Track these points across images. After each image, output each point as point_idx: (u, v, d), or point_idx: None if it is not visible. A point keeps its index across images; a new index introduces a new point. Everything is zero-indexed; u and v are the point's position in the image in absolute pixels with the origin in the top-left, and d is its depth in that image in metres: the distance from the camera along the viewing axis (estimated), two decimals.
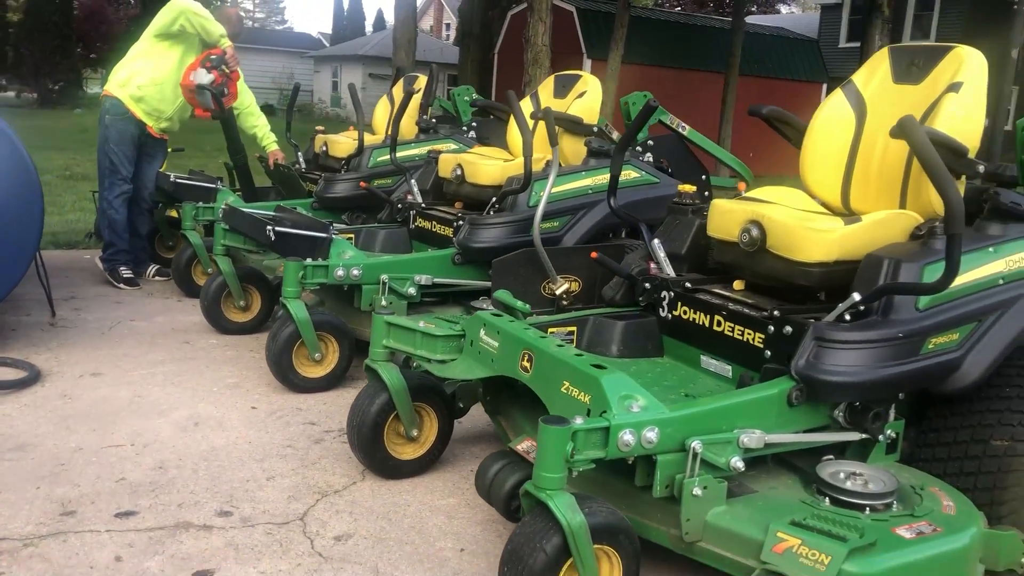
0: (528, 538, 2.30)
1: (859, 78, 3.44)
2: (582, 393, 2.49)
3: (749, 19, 34.39)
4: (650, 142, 5.00)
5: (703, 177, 5.22)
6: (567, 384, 2.56)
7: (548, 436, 2.26)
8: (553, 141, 3.71)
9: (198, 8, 5.73)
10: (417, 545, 2.86)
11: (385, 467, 3.28)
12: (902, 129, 2.52)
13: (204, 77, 5.72)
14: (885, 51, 3.41)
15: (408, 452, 3.32)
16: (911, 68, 3.28)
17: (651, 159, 4.95)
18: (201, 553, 2.72)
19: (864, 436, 2.80)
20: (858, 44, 19.05)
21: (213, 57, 5.77)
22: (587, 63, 18.95)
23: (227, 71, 5.78)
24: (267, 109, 19.95)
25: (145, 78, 5.77)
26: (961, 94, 3.04)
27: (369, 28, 41.40)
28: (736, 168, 5.23)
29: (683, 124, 5.20)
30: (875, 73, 3.40)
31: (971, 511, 2.59)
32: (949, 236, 2.46)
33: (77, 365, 4.35)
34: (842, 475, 2.64)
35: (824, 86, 22.92)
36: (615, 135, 5.54)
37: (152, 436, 3.57)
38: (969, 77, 3.07)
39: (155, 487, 3.14)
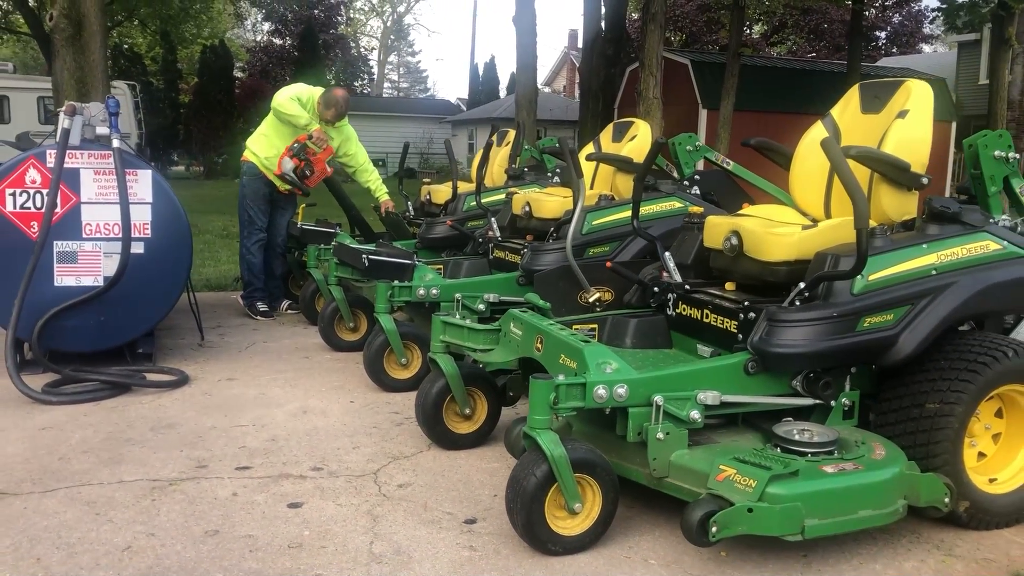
0: (523, 467, 3.04)
1: (836, 110, 4.06)
2: (572, 361, 3.22)
3: (887, 60, 34.16)
4: (696, 176, 5.68)
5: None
6: (563, 356, 3.29)
7: (536, 387, 3.00)
8: (578, 173, 4.47)
9: (285, 104, 6.68)
10: (461, 491, 3.63)
11: (445, 439, 4.08)
12: (822, 148, 3.17)
13: (287, 165, 6.71)
14: (856, 87, 4.02)
15: (463, 428, 4.11)
16: (874, 100, 3.89)
17: (698, 192, 5.62)
18: (295, 492, 3.59)
19: (817, 402, 3.39)
20: None
21: (295, 145, 6.74)
22: (702, 112, 19.58)
23: (317, 150, 6.71)
24: (407, 172, 21.42)
25: (272, 150, 6.88)
26: (907, 120, 3.64)
27: (503, 91, 43.25)
28: (778, 196, 5.79)
29: (727, 160, 5.84)
30: (848, 105, 4.02)
31: (898, 457, 3.13)
32: (857, 231, 3.08)
33: (217, 372, 5.40)
34: (794, 431, 3.23)
35: (953, 124, 22.53)
36: (675, 174, 6.24)
37: (269, 420, 4.51)
38: (914, 105, 3.66)
39: (267, 452, 4.05)
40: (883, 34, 39.08)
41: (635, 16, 29.67)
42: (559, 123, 31.66)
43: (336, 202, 7.55)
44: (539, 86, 27.84)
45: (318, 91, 6.92)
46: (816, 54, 36.56)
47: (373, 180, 7.40)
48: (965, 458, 3.34)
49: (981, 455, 3.51)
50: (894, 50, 38.94)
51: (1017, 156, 3.66)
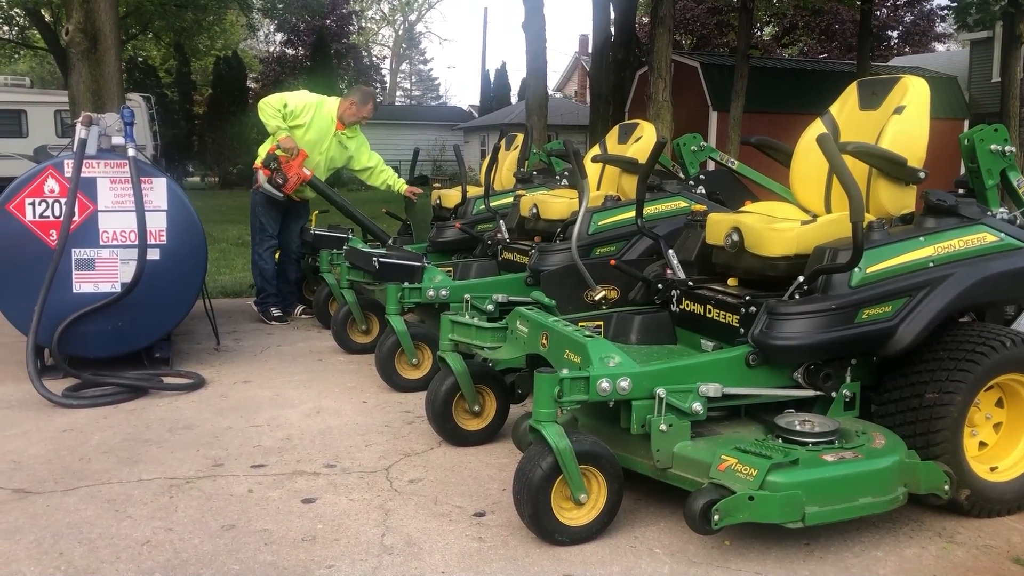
0: (530, 459, 3.12)
1: (835, 108, 4.12)
2: (576, 356, 3.30)
3: (899, 59, 34.04)
4: (702, 176, 5.75)
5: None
6: (567, 351, 3.37)
7: (541, 381, 3.08)
8: (582, 174, 4.55)
9: (262, 108, 6.87)
10: (470, 486, 3.71)
11: (454, 436, 4.17)
12: (817, 144, 3.24)
13: (261, 178, 6.81)
14: (854, 84, 4.08)
15: (473, 424, 4.19)
16: (872, 97, 3.95)
17: (704, 191, 5.69)
18: (309, 488, 3.68)
19: (818, 393, 3.45)
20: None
21: (267, 156, 6.82)
22: (712, 114, 19.62)
23: (291, 156, 6.72)
24: (420, 179, 21.47)
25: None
26: (904, 116, 3.70)
27: (515, 97, 43.34)
28: (783, 194, 5.84)
29: (732, 160, 5.92)
30: (847, 103, 4.09)
31: (898, 446, 3.18)
32: (853, 224, 3.14)
33: (233, 375, 5.50)
34: (795, 421, 3.29)
35: (966, 122, 22.49)
36: (680, 174, 6.31)
37: (284, 420, 4.61)
38: (911, 101, 3.73)
39: (281, 450, 4.14)
40: (895, 33, 38.95)
41: (645, 20, 29.75)
42: (571, 127, 31.71)
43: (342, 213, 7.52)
44: (550, 91, 27.95)
45: (322, 99, 6.99)
46: (828, 55, 36.45)
47: (389, 177, 7.47)
48: (966, 447, 3.40)
49: (983, 444, 3.56)
50: (907, 49, 38.79)
51: (1013, 150, 3.71)
